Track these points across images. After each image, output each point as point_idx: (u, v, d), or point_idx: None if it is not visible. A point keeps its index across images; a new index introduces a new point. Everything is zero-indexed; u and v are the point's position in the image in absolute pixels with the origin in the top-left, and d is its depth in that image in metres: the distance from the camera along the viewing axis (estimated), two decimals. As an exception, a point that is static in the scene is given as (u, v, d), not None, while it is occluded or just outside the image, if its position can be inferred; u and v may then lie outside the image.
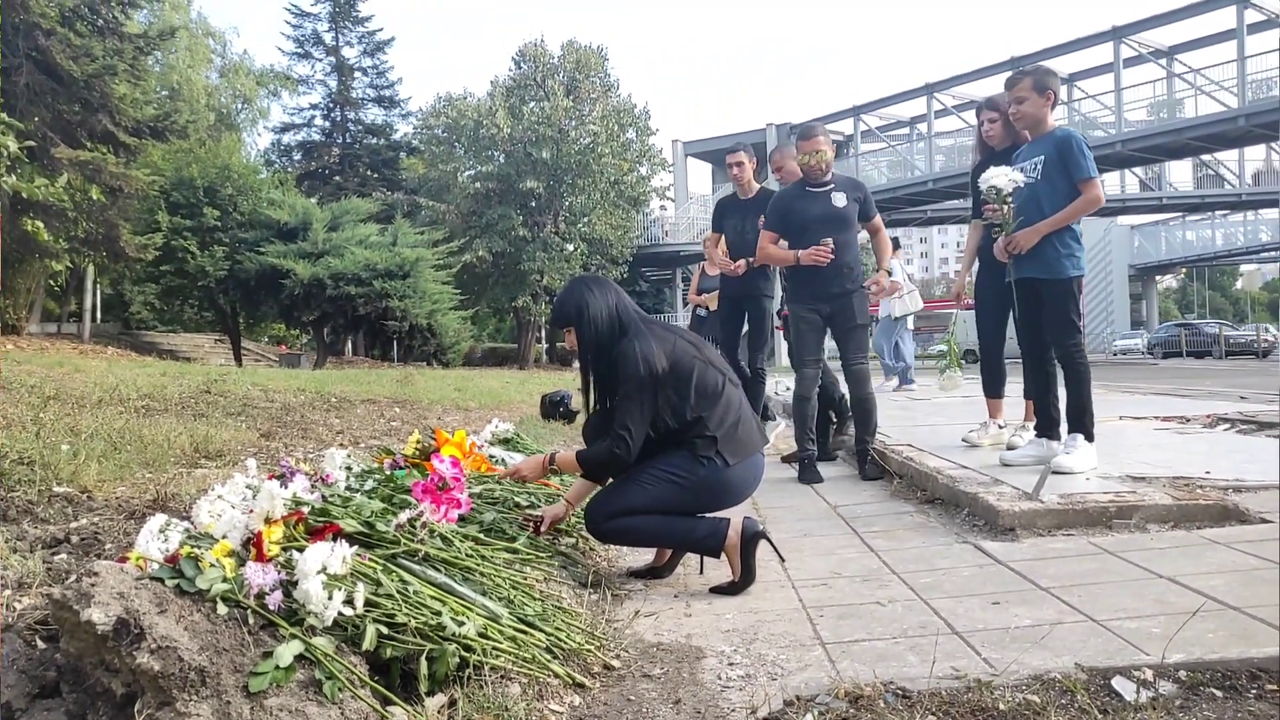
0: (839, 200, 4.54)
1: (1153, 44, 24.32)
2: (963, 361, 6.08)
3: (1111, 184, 31.78)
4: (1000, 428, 4.58)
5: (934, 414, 6.75)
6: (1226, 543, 2.72)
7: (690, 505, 2.63)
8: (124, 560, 1.76)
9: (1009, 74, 3.74)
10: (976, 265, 4.61)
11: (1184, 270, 54.07)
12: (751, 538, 2.60)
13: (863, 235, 4.89)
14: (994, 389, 4.65)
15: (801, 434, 4.70)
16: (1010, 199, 3.74)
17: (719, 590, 2.61)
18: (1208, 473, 3.53)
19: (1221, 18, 22.96)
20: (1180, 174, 32.38)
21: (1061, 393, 3.82)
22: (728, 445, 2.60)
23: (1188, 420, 5.62)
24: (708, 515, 2.66)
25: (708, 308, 7.35)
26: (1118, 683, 1.73)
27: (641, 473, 2.61)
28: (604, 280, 2.75)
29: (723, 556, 2.63)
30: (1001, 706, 1.66)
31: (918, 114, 30.60)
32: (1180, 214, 40.12)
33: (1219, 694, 1.69)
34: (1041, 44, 25.63)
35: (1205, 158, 28.98)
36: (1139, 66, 25.16)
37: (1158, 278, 49.14)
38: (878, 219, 4.76)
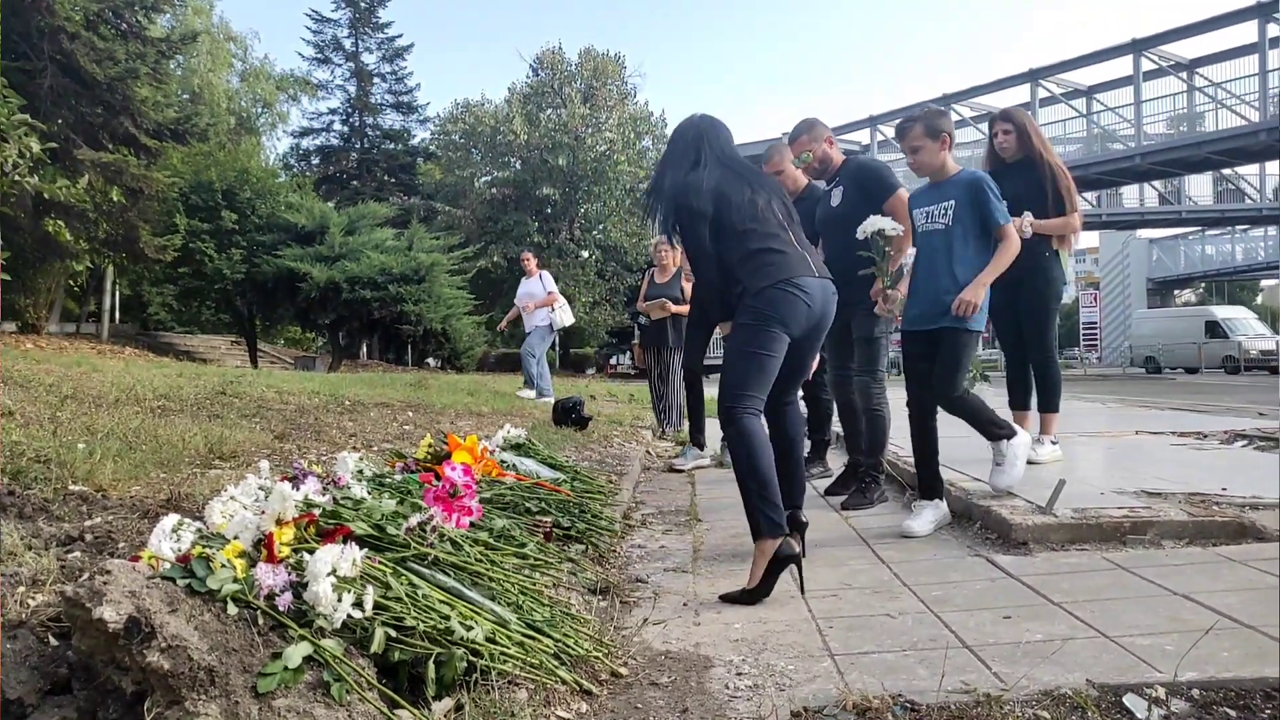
0: (835, 199, 4.20)
1: (1173, 57, 24.19)
2: (988, 375, 6.01)
3: (1130, 197, 31.59)
4: (1036, 439, 4.40)
5: (947, 425, 6.71)
6: (1242, 560, 2.70)
7: (770, 352, 2.80)
8: (136, 559, 1.77)
9: (899, 122, 3.45)
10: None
11: (1203, 285, 53.62)
12: (784, 559, 2.59)
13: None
14: (1021, 400, 4.61)
15: (852, 445, 4.40)
16: (888, 248, 3.55)
17: (729, 598, 2.60)
18: (1224, 489, 3.50)
19: (1243, 31, 22.81)
20: (1200, 188, 32.15)
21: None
22: (754, 276, 2.81)
23: (1205, 436, 5.57)
24: (781, 500, 2.72)
25: (649, 316, 6.89)
26: (1129, 700, 1.71)
27: (728, 353, 2.90)
28: (716, 123, 3.08)
29: (751, 562, 2.66)
30: (1011, 722, 1.64)
31: (935, 125, 30.45)
32: (1200, 228, 39.80)
33: (1232, 713, 1.67)
34: (1061, 56, 25.64)
35: (1226, 172, 28.76)
36: (1159, 79, 25.01)
37: (1176, 292, 48.74)
38: (894, 198, 4.00)
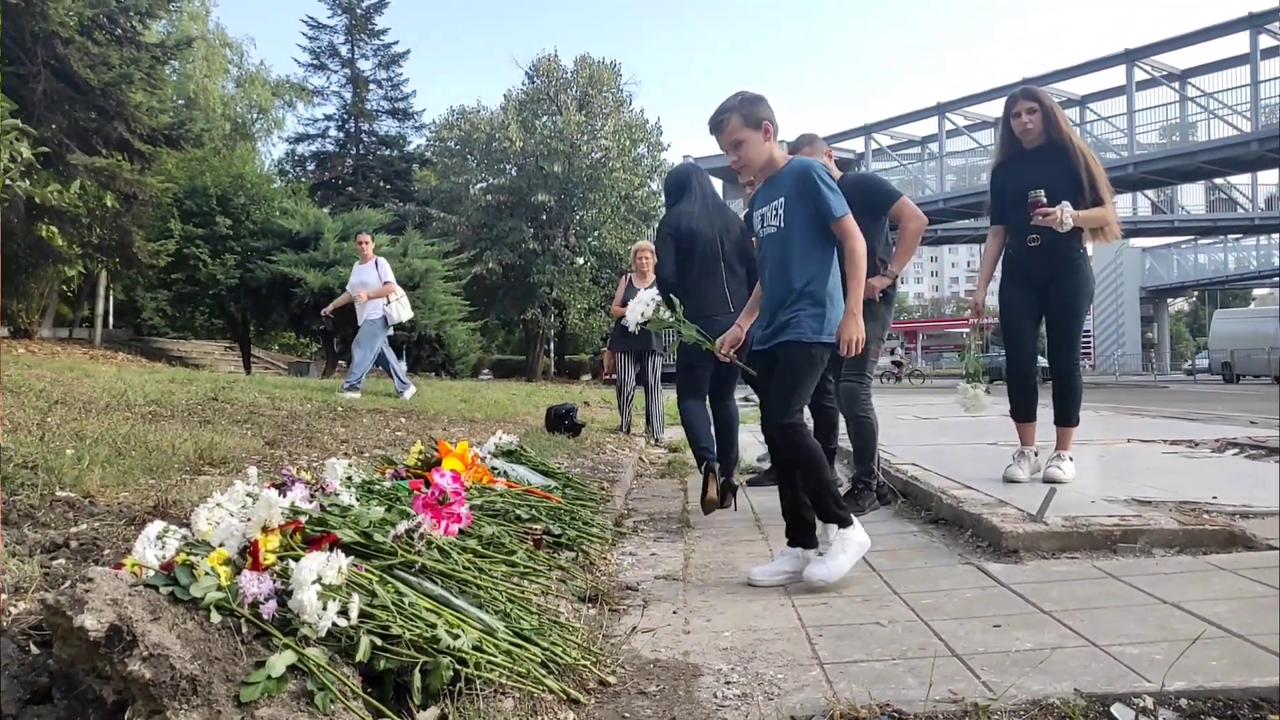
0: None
1: (1166, 67, 24.33)
2: (990, 382, 5.76)
3: (1124, 206, 31.72)
4: (1037, 455, 4.15)
5: (940, 433, 6.72)
6: (1233, 569, 2.70)
7: (695, 363, 4.17)
8: (120, 566, 1.76)
9: (711, 117, 2.96)
10: (999, 274, 4.19)
11: (1196, 293, 53.85)
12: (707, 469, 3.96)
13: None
14: (1025, 412, 4.16)
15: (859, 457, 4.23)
16: (670, 317, 3.30)
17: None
18: (1215, 498, 3.50)
19: (1235, 42, 22.99)
20: (1192, 197, 32.32)
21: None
22: (687, 300, 3.75)
23: (1196, 444, 5.58)
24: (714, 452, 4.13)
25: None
26: (1117, 710, 1.71)
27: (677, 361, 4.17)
28: (699, 170, 4.42)
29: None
30: (999, 731, 1.64)
31: (929, 133, 30.64)
32: (1192, 237, 39.99)
33: (1220, 723, 1.67)
34: (1054, 65, 25.75)
35: (1218, 181, 28.91)
36: (1152, 89, 25.15)
37: (1169, 300, 48.95)
38: (898, 205, 4.03)
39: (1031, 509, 3.27)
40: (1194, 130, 24.35)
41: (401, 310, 8.97)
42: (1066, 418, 4.04)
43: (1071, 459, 4.06)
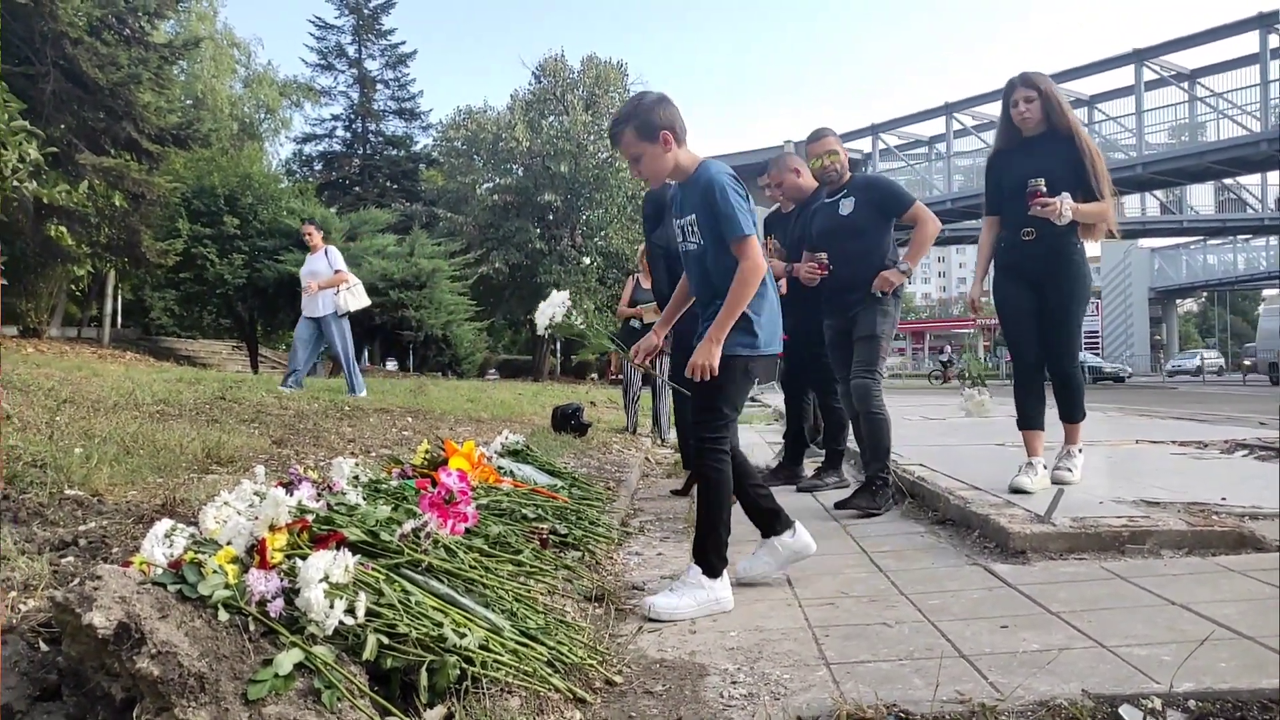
0: (845, 208, 4.19)
1: (1175, 67, 24.25)
2: (982, 383, 5.72)
3: (1132, 207, 31.63)
4: (1045, 467, 3.90)
5: (948, 434, 6.71)
6: (1242, 570, 2.68)
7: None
8: (128, 564, 1.77)
9: (609, 128, 2.76)
10: (992, 271, 4.05)
11: (1205, 294, 53.65)
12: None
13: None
14: (1032, 419, 3.91)
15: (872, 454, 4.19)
16: (580, 321, 3.08)
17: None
18: (1224, 499, 3.48)
19: (1245, 42, 22.88)
20: (1202, 197, 32.21)
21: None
22: None
23: (1205, 445, 5.56)
24: None
25: (641, 319, 6.93)
26: (1125, 711, 1.70)
27: None
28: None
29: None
30: (1006, 732, 1.63)
31: (937, 133, 30.58)
32: (1201, 237, 39.86)
33: (1229, 725, 1.66)
34: (1062, 65, 25.68)
35: (1227, 181, 28.79)
36: (1161, 89, 25.06)
37: (1178, 301, 48.79)
38: (912, 210, 4.15)
39: (1039, 510, 3.26)
40: (1203, 130, 24.27)
41: (353, 299, 8.46)
42: (1071, 414, 3.95)
43: (1081, 450, 3.99)
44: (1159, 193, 30.26)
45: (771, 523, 2.88)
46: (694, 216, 2.68)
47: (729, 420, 2.71)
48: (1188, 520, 3.13)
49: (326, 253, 8.52)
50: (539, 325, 3.23)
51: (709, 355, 2.56)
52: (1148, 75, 24.09)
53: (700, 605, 2.56)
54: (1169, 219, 32.00)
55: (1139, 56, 23.87)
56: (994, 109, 26.82)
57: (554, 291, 3.15)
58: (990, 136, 28.68)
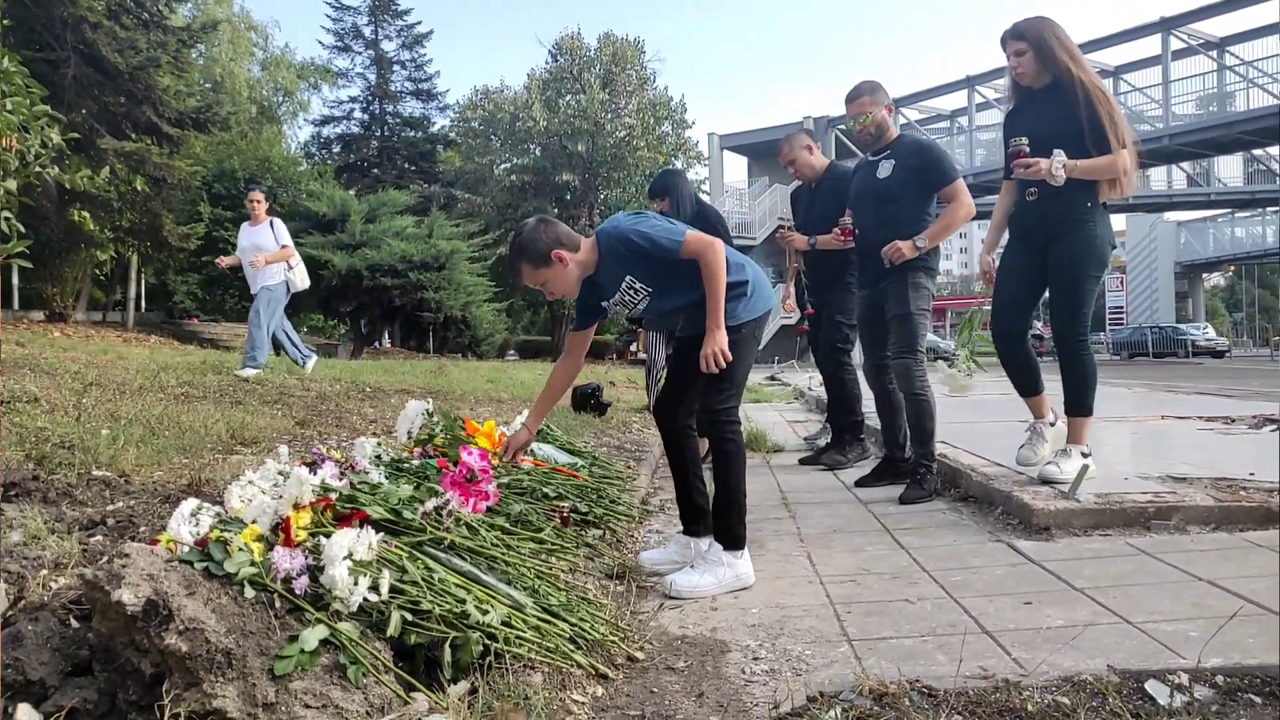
0: (883, 170, 3.92)
1: (1203, 35, 23.75)
2: (977, 360, 5.47)
3: (1158, 179, 31.14)
4: (1052, 424, 3.62)
5: (970, 410, 6.66)
6: (1270, 546, 2.65)
7: None
8: (155, 543, 1.79)
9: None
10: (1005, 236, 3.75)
11: (1232, 268, 52.79)
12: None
13: None
14: (1029, 386, 3.62)
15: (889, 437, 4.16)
16: None
17: None
18: (1252, 474, 3.44)
19: (1275, 9, 22.34)
20: (1230, 169, 31.63)
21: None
22: None
23: (1233, 421, 5.49)
24: None
25: None
26: (1151, 686, 1.69)
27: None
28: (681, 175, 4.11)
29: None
30: (1030, 708, 1.62)
31: (958, 107, 30.19)
32: (1229, 210, 39.18)
33: (1258, 700, 1.64)
34: (1087, 35, 25.05)
35: (1256, 152, 28.25)
36: (1189, 58, 24.56)
37: (1205, 275, 48.05)
38: (951, 187, 3.88)
39: (1063, 486, 3.23)
40: (1232, 100, 23.79)
41: (299, 277, 7.90)
42: (1075, 404, 3.47)
43: (1086, 454, 3.42)
44: (1186, 165, 29.74)
45: (694, 524, 2.83)
46: (629, 278, 2.65)
47: (740, 390, 2.72)
48: (1215, 496, 3.09)
49: (272, 225, 7.87)
50: (399, 438, 3.23)
51: (719, 342, 2.54)
52: (1175, 44, 23.61)
53: (721, 582, 2.56)
54: (1196, 191, 31.46)
55: (1166, 25, 23.40)
56: (1017, 81, 26.48)
57: (411, 402, 3.18)
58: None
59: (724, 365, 2.54)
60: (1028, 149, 3.30)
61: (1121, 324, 37.52)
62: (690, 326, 2.77)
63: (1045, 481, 3.36)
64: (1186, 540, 2.80)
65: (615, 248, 2.62)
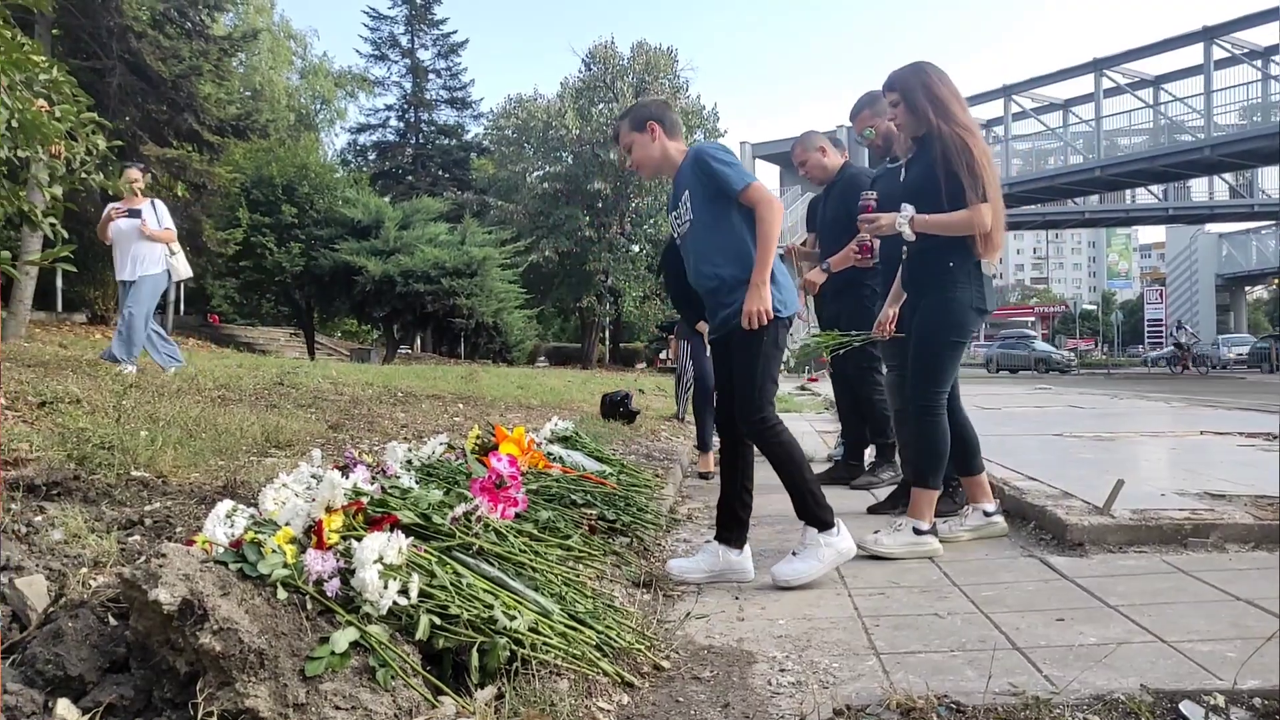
0: (905, 175, 3.63)
1: (1247, 44, 23.30)
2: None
3: (1199, 190, 30.60)
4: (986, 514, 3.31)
5: (1003, 424, 6.58)
6: (1311, 566, 2.59)
7: None
8: (191, 543, 1.83)
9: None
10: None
11: (1276, 281, 51.74)
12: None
13: None
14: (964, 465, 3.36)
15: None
16: None
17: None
18: (1293, 492, 3.37)
19: (1322, 17, 21.87)
20: (1274, 180, 30.97)
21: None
22: None
23: (1273, 437, 5.37)
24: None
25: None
26: (1185, 707, 1.66)
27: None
28: None
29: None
30: (1061, 726, 1.60)
31: (994, 116, 29.87)
32: (1272, 222, 38.36)
33: (1296, 724, 1.61)
34: (1127, 45, 24.78)
35: (1301, 163, 27.61)
36: (1232, 68, 24.10)
37: (1247, 288, 47.10)
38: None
39: (1097, 501, 3.19)
40: (1277, 110, 23.29)
41: (181, 265, 7.18)
42: (917, 474, 3.21)
43: (920, 531, 3.05)
44: (1228, 176, 29.18)
45: (730, 533, 2.82)
46: (686, 194, 2.78)
47: (769, 392, 2.72)
48: (1254, 514, 3.03)
49: (154, 205, 6.99)
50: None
51: (761, 299, 2.62)
52: (1218, 53, 23.19)
53: (824, 563, 2.69)
54: (1238, 203, 30.85)
55: (1209, 34, 22.99)
56: (1055, 91, 26.19)
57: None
58: (1050, 119, 27.81)
59: (765, 323, 2.63)
60: (874, 204, 3.30)
61: (1159, 338, 36.86)
62: (713, 316, 2.86)
63: (861, 547, 2.93)
64: (1225, 559, 2.75)
65: (693, 160, 2.77)
